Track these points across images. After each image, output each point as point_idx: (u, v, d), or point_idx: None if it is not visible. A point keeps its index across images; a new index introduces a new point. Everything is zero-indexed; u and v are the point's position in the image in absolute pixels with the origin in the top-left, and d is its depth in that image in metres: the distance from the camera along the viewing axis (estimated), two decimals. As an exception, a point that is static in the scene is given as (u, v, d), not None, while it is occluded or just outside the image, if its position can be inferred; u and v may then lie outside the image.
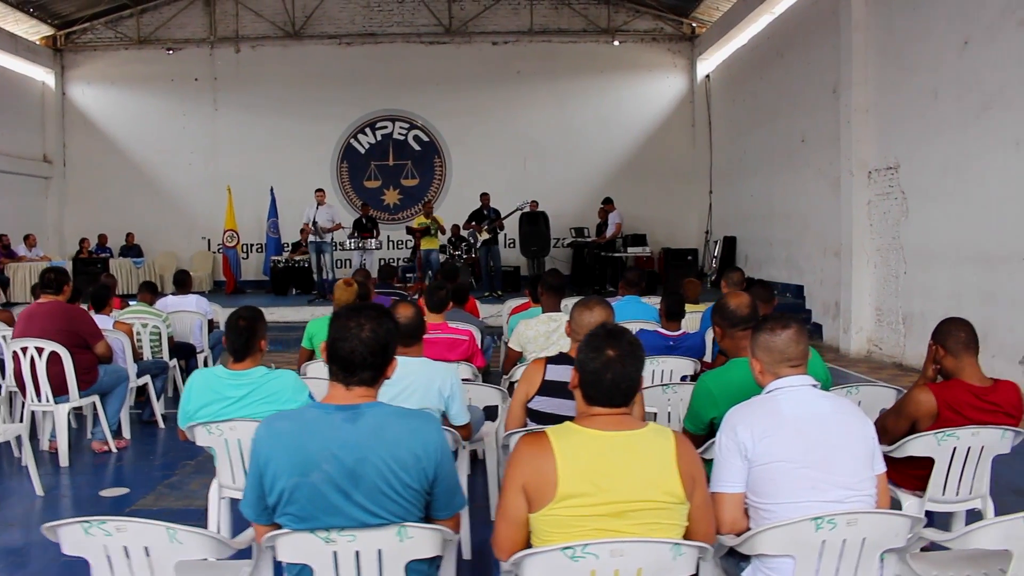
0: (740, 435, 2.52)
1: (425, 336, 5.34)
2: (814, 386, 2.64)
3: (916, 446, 3.41)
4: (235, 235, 16.51)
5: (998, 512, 3.51)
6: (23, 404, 6.22)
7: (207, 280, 16.95)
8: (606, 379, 2.30)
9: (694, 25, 16.87)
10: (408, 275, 15.29)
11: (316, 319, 5.98)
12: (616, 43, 17.04)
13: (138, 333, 7.54)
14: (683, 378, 5.24)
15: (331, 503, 2.31)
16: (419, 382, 3.68)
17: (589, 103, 17.22)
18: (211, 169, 17.17)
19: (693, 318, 7.00)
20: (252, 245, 17.39)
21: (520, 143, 17.22)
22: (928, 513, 3.57)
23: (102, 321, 6.78)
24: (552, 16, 17.19)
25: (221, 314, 9.79)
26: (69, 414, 6.45)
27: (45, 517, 5.08)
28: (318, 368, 5.14)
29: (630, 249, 13.89)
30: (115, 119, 17.51)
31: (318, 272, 14.30)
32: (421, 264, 14.40)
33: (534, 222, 12.64)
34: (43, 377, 5.92)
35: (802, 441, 2.48)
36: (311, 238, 14.49)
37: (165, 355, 7.67)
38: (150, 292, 8.20)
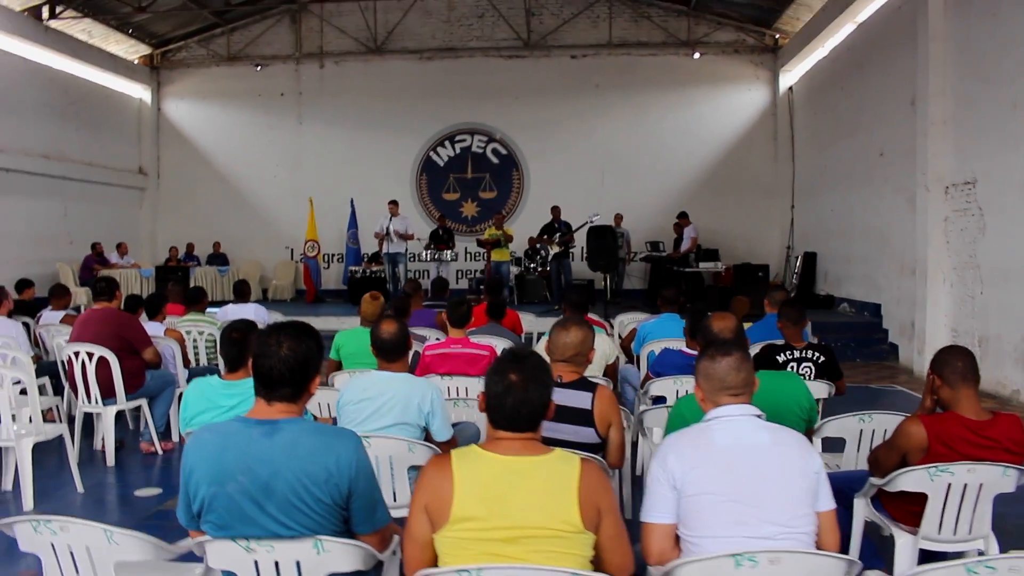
0: (670, 465, 2.43)
1: (446, 351, 5.40)
2: (758, 416, 2.53)
3: (908, 480, 3.22)
4: (316, 245, 16.89)
5: (1004, 555, 3.29)
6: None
7: (289, 289, 17.41)
8: (507, 403, 2.28)
9: (777, 36, 16.46)
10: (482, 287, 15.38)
11: (344, 331, 6.06)
12: (696, 56, 16.77)
13: (194, 340, 7.82)
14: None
15: (246, 513, 2.38)
16: (398, 397, 3.68)
17: (668, 116, 17.00)
18: (295, 181, 17.64)
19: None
20: (333, 255, 17.78)
21: (598, 157, 17.12)
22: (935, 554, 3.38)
23: (154, 328, 7.05)
24: (631, 29, 17.06)
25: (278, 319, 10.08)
26: (126, 416, 6.75)
27: (70, 513, 5.30)
28: (344, 380, 5.21)
29: (702, 264, 13.62)
30: (206, 133, 18.26)
31: (392, 282, 14.54)
32: (491, 276, 14.45)
33: (601, 236, 12.51)
34: (92, 380, 6.18)
35: (732, 474, 2.37)
36: (386, 249, 14.78)
37: (220, 361, 7.88)
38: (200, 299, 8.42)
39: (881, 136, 11.89)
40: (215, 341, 7.89)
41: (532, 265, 15.46)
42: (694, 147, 16.94)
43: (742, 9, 16.16)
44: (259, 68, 17.90)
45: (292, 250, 17.85)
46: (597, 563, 2.25)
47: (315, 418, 4.32)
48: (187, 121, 18.30)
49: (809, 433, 3.58)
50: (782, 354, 5.25)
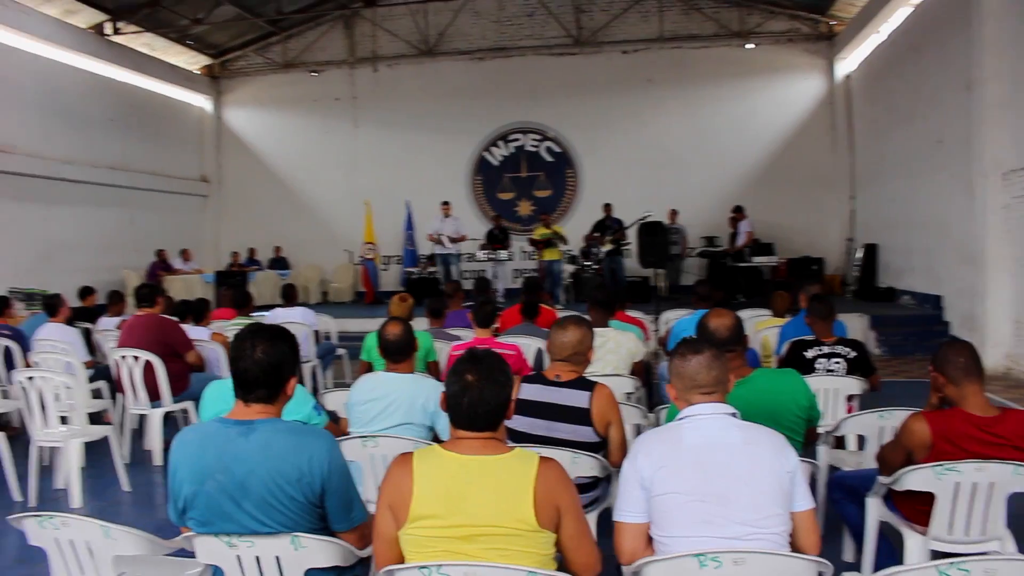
0: (639, 464, 2.43)
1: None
2: (731, 415, 2.50)
3: (914, 479, 3.14)
4: (373, 247, 17.12)
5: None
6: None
7: (348, 291, 17.69)
8: (463, 403, 2.32)
9: (832, 23, 16.08)
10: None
11: (373, 332, 6.14)
12: (749, 46, 16.49)
13: (241, 343, 8.01)
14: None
15: (224, 510, 2.48)
16: (403, 398, 3.73)
17: (722, 109, 16.75)
18: (351, 184, 17.91)
19: (772, 332, 6.72)
20: (391, 257, 18.00)
21: (652, 152, 16.95)
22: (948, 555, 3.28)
23: (200, 332, 7.27)
24: (682, 22, 16.87)
25: (332, 325, 10.28)
26: (176, 418, 6.97)
27: (114, 510, 5.53)
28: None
29: (756, 259, 13.40)
30: (265, 139, 18.72)
31: (446, 282, 14.64)
32: (544, 275, 14.47)
33: (652, 232, 12.41)
34: (139, 383, 6.40)
35: (700, 473, 2.35)
36: (438, 250, 14.94)
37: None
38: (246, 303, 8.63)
39: (938, 122, 11.55)
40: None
41: (587, 263, 15.40)
42: (749, 140, 16.66)
43: (796, -3, 15.89)
44: (314, 74, 18.24)
45: (351, 253, 18.08)
46: (564, 562, 2.27)
47: (338, 419, 4.41)
48: (246, 128, 18.78)
49: (812, 432, 3.51)
50: (810, 350, 5.16)
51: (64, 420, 5.84)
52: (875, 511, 3.50)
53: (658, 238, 12.32)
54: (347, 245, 17.97)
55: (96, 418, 6.97)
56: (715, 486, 2.33)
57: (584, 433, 3.34)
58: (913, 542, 3.27)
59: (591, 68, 17.25)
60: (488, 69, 17.71)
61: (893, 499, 3.42)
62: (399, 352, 3.90)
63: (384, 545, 2.33)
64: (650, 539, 2.45)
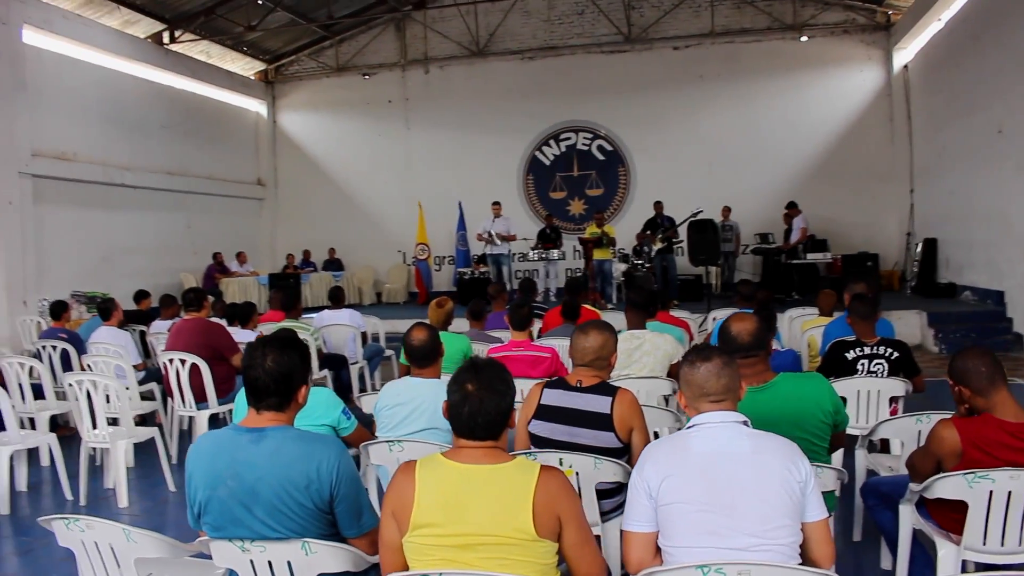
0: (647, 473, 2.40)
1: (507, 353, 5.44)
2: (743, 423, 2.45)
3: (945, 487, 3.04)
4: (426, 248, 17.27)
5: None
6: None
7: (402, 292, 17.86)
8: (464, 412, 2.33)
9: (889, 13, 15.68)
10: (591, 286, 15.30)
11: (412, 335, 6.18)
12: (804, 39, 16.16)
13: (288, 345, 8.14)
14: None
15: (236, 516, 2.53)
16: (428, 403, 3.75)
17: (776, 103, 16.46)
18: (404, 185, 18.08)
19: (818, 332, 6.58)
20: (444, 257, 18.12)
21: (704, 148, 16.75)
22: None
23: (245, 335, 7.39)
24: (735, 16, 16.61)
25: (381, 326, 10.37)
26: (225, 419, 7.10)
27: (159, 510, 5.67)
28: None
29: (810, 255, 13.12)
30: (319, 142, 18.99)
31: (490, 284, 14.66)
32: (594, 274, 14.39)
33: (702, 230, 12.26)
34: (186, 386, 6.53)
35: (707, 483, 2.31)
36: (489, 249, 14.97)
37: (314, 366, 8.20)
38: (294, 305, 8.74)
39: (999, 112, 11.18)
40: (308, 346, 8.19)
41: (640, 262, 15.26)
42: (804, 134, 16.33)
43: (851, -13, 15.52)
44: (367, 77, 18.43)
45: (404, 253, 18.26)
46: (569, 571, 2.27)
47: (370, 423, 4.44)
48: (301, 131, 19.09)
49: (840, 437, 3.42)
50: (851, 351, 5.04)
51: (113, 422, 6.00)
52: (908, 519, 3.40)
53: (708, 235, 12.17)
54: (400, 246, 18.17)
55: (149, 419, 7.16)
56: (722, 496, 2.29)
57: (606, 439, 3.31)
58: (946, 551, 3.16)
59: (642, 65, 17.10)
60: (538, 68, 17.68)
61: (926, 506, 3.31)
62: (424, 357, 3.92)
63: (389, 552, 2.35)
64: (659, 549, 2.41)
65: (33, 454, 6.51)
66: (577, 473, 3.30)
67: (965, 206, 12.73)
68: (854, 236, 15.61)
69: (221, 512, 2.55)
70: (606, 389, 3.40)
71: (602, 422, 3.33)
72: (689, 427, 2.48)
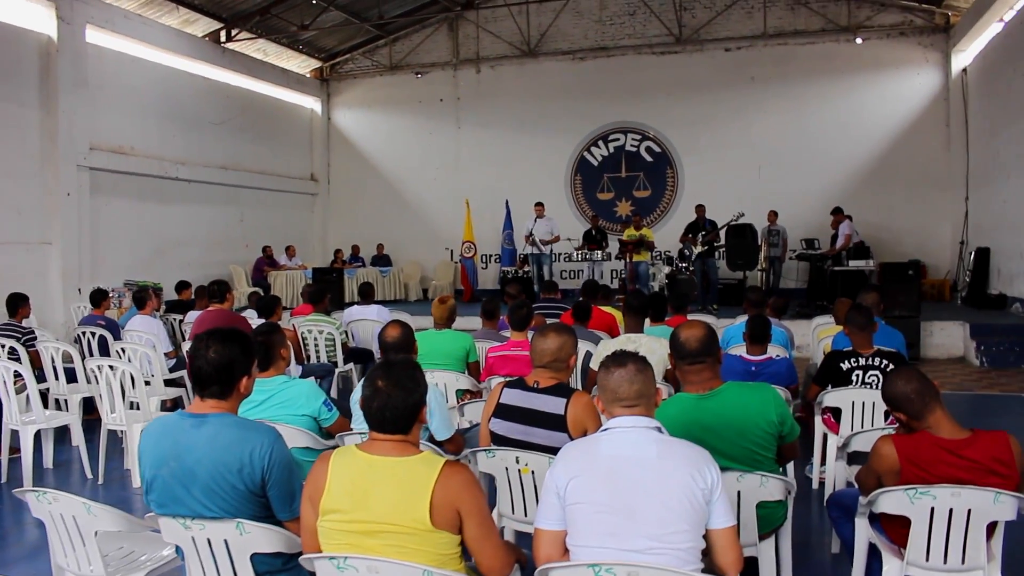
0: (556, 473, 2.47)
1: (506, 353, 5.54)
2: (655, 429, 2.50)
3: (888, 502, 3.05)
4: (472, 246, 17.39)
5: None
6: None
7: (448, 288, 17.97)
8: (373, 407, 2.45)
9: (948, 14, 15.28)
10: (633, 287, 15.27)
11: (418, 333, 6.29)
12: (859, 41, 15.86)
13: (316, 339, 8.38)
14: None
15: (176, 495, 2.73)
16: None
17: (828, 107, 16.19)
18: (453, 183, 18.27)
19: (832, 340, 6.51)
20: (490, 256, 18.23)
21: (754, 152, 16.57)
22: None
23: (269, 327, 7.61)
24: (788, 18, 16.38)
25: (410, 322, 10.52)
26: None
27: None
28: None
29: (852, 262, 12.88)
30: (370, 140, 19.33)
31: (538, 282, 14.73)
32: (632, 276, 14.37)
33: (740, 235, 12.17)
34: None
35: (610, 485, 2.37)
36: (529, 250, 15.06)
37: (339, 359, 8.41)
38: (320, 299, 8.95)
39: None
40: (334, 340, 8.42)
41: (684, 265, 15.17)
42: (856, 138, 16.01)
43: (909, -12, 15.17)
44: (419, 76, 18.69)
45: (451, 251, 18.45)
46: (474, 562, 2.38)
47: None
48: (354, 129, 19.45)
49: (791, 448, 3.42)
50: (846, 361, 5.02)
51: (134, 406, 6.26)
52: (864, 532, 3.40)
53: (747, 240, 12.08)
54: (448, 243, 18.37)
55: (180, 404, 7.44)
56: (623, 499, 2.35)
57: (559, 439, 3.38)
58: (891, 567, 3.16)
59: (693, 66, 16.99)
60: (589, 69, 17.70)
61: (880, 520, 3.31)
62: (398, 352, 4.04)
63: (307, 535, 2.51)
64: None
65: (65, 434, 6.83)
66: (533, 472, 3.39)
67: (1018, 215, 12.36)
68: (905, 243, 15.28)
69: (163, 491, 2.75)
70: (562, 390, 3.47)
71: (556, 423, 3.41)
72: (602, 431, 2.54)
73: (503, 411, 3.53)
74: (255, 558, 2.71)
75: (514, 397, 3.53)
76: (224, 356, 2.77)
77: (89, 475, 6.10)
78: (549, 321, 7.81)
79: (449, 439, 3.95)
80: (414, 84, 18.70)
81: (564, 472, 2.45)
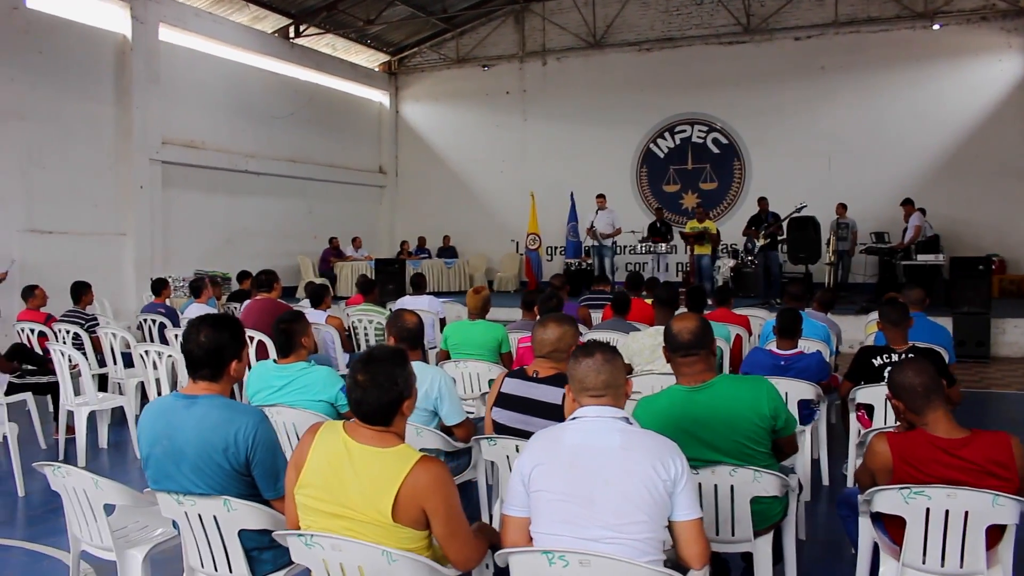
0: (522, 460, 2.50)
1: (530, 344, 5.56)
2: (623, 419, 2.49)
3: (882, 501, 2.97)
4: (537, 238, 17.44)
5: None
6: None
7: (513, 280, 18.07)
8: (353, 399, 2.50)
9: (1034, -2, 14.66)
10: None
11: (453, 323, 6.40)
12: (936, 27, 15.31)
13: (365, 328, 8.55)
14: (800, 403, 4.88)
15: (168, 472, 2.89)
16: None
17: (902, 96, 15.67)
18: (519, 176, 18.34)
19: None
20: (556, 248, 18.24)
21: (824, 143, 16.14)
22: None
23: (316, 316, 7.78)
24: (860, 5, 15.89)
25: (463, 313, 10.62)
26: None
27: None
28: (450, 368, 5.55)
29: (920, 256, 12.47)
30: (438, 132, 19.56)
31: (601, 275, 14.68)
32: (694, 269, 14.21)
33: (802, 227, 11.91)
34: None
35: (571, 473, 2.38)
36: (591, 242, 15.01)
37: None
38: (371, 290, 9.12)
39: None
40: (383, 329, 8.55)
41: (749, 258, 14.92)
42: (931, 128, 15.46)
43: (990, -28, 14.57)
44: (486, 69, 18.82)
45: (517, 243, 18.52)
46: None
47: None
48: (421, 122, 19.70)
49: (789, 442, 3.36)
50: (878, 357, 4.89)
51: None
52: (867, 531, 3.32)
53: (809, 233, 11.81)
54: (513, 235, 18.46)
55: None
56: (582, 487, 2.35)
57: (556, 429, 3.40)
58: (887, 567, 3.09)
59: (761, 56, 16.66)
60: (655, 60, 17.53)
61: (882, 519, 3.23)
62: (412, 339, 4.14)
63: (290, 500, 2.58)
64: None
65: (123, 417, 7.12)
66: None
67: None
68: (984, 237, 14.72)
69: (157, 467, 2.91)
70: (560, 380, 3.48)
71: (553, 412, 3.42)
72: (569, 420, 2.55)
73: (504, 400, 3.57)
74: (243, 534, 2.82)
75: (514, 387, 3.56)
76: (214, 341, 2.89)
77: (138, 455, 6.34)
78: (593, 314, 7.88)
79: (458, 425, 4.01)
80: (481, 77, 18.83)
81: (529, 459, 2.47)
